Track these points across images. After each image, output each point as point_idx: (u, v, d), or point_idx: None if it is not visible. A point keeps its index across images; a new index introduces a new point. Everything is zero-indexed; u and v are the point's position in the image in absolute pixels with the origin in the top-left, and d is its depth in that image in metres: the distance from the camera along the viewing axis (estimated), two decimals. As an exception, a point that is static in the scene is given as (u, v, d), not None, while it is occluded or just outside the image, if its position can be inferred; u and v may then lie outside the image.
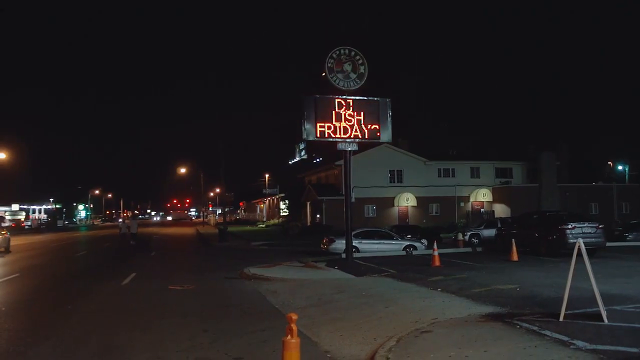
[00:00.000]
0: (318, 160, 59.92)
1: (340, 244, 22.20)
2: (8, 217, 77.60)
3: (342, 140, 17.46)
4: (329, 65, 17.42)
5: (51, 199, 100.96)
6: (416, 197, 50.05)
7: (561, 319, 7.98)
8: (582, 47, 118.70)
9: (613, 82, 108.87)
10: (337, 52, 17.58)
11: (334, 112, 17.27)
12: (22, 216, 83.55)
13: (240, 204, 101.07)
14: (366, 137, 17.84)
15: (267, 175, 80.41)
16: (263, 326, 9.20)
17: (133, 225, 35.12)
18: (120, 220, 46.53)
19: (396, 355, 6.73)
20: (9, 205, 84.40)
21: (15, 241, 39.83)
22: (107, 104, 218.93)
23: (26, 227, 74.11)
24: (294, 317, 4.82)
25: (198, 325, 9.36)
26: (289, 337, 4.78)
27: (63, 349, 7.84)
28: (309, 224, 52.04)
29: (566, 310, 8.08)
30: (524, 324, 7.95)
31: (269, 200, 78.36)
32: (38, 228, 73.90)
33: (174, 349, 7.70)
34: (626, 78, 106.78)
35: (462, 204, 51.83)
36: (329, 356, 7.28)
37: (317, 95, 17.37)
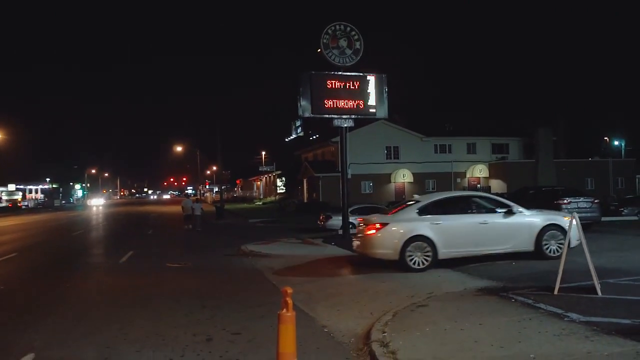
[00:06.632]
0: (314, 137, 59.79)
1: (336, 221, 22.28)
2: (5, 197, 77.41)
3: (338, 116, 17.39)
4: (325, 41, 17.26)
5: (48, 179, 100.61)
6: (413, 173, 50.10)
7: (556, 292, 8.06)
8: (579, 22, 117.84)
9: (610, 57, 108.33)
10: (333, 28, 17.40)
11: (329, 88, 17.17)
12: (18, 196, 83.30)
13: (237, 181, 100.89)
14: (362, 113, 17.77)
15: (263, 153, 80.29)
16: (260, 302, 9.27)
17: (197, 206, 28.70)
18: (189, 192, 34.92)
19: (392, 329, 6.80)
20: (5, 185, 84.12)
21: (13, 221, 39.90)
22: (102, 82, 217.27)
23: (23, 207, 74.07)
24: (289, 290, 4.86)
25: (196, 302, 9.43)
26: (284, 310, 4.81)
27: (62, 325, 7.90)
28: (305, 200, 52.14)
29: (561, 283, 8.15)
30: (519, 298, 8.03)
31: (266, 177, 78.33)
32: (35, 208, 73.94)
33: (172, 325, 7.76)
34: (623, 53, 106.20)
35: (458, 180, 51.95)
36: (326, 330, 7.35)
37: (313, 72, 17.23)
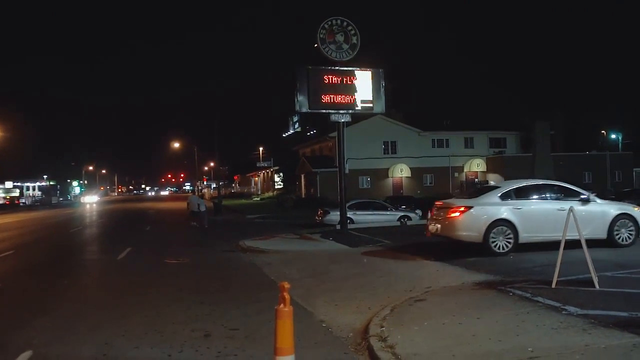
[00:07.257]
0: (312, 132, 59.81)
1: (334, 216, 22.30)
2: (2, 195, 77.32)
3: (335, 111, 17.37)
4: (321, 36, 17.23)
5: (45, 176, 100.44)
6: (410, 168, 50.08)
7: (554, 285, 8.07)
8: (577, 15, 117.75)
9: (607, 50, 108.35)
10: (329, 23, 17.38)
11: (326, 83, 17.15)
12: (16, 193, 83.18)
13: (235, 177, 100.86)
14: (359, 108, 17.75)
15: (261, 148, 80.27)
16: (259, 297, 9.28)
17: (201, 201, 27.01)
18: (192, 188, 34.26)
19: (390, 323, 6.80)
20: (3, 182, 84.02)
21: (10, 218, 39.83)
22: (101, 80, 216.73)
23: (20, 204, 74.03)
24: (286, 285, 4.84)
25: (194, 298, 9.42)
26: (281, 305, 4.79)
27: (60, 322, 7.88)
28: (303, 196, 52.13)
29: (559, 277, 8.16)
30: (517, 291, 8.03)
31: (264, 173, 78.28)
32: (32, 205, 73.90)
33: (170, 321, 7.75)
34: (620, 47, 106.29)
35: (456, 175, 51.95)
36: (324, 325, 7.35)
37: (310, 67, 17.22)
